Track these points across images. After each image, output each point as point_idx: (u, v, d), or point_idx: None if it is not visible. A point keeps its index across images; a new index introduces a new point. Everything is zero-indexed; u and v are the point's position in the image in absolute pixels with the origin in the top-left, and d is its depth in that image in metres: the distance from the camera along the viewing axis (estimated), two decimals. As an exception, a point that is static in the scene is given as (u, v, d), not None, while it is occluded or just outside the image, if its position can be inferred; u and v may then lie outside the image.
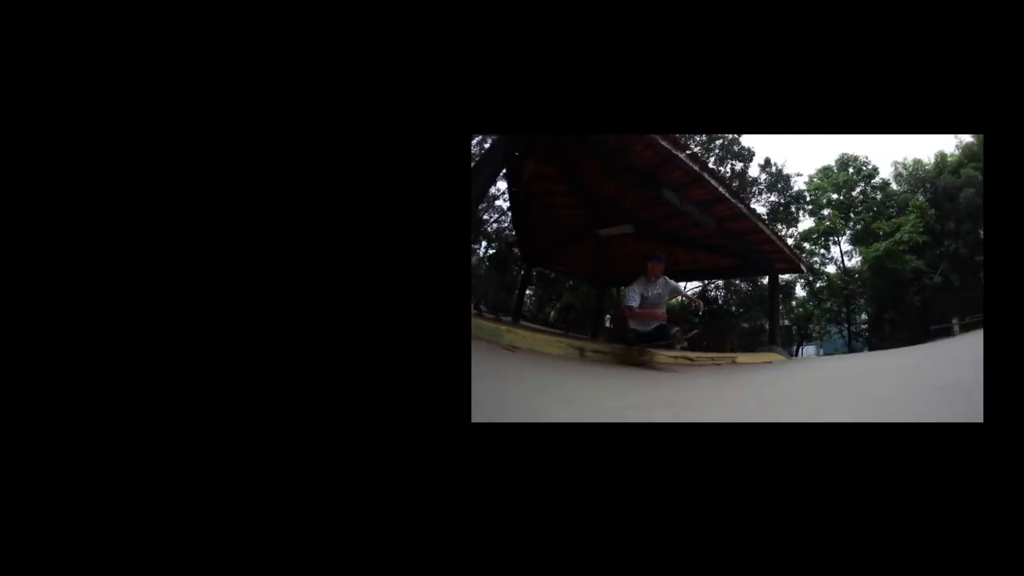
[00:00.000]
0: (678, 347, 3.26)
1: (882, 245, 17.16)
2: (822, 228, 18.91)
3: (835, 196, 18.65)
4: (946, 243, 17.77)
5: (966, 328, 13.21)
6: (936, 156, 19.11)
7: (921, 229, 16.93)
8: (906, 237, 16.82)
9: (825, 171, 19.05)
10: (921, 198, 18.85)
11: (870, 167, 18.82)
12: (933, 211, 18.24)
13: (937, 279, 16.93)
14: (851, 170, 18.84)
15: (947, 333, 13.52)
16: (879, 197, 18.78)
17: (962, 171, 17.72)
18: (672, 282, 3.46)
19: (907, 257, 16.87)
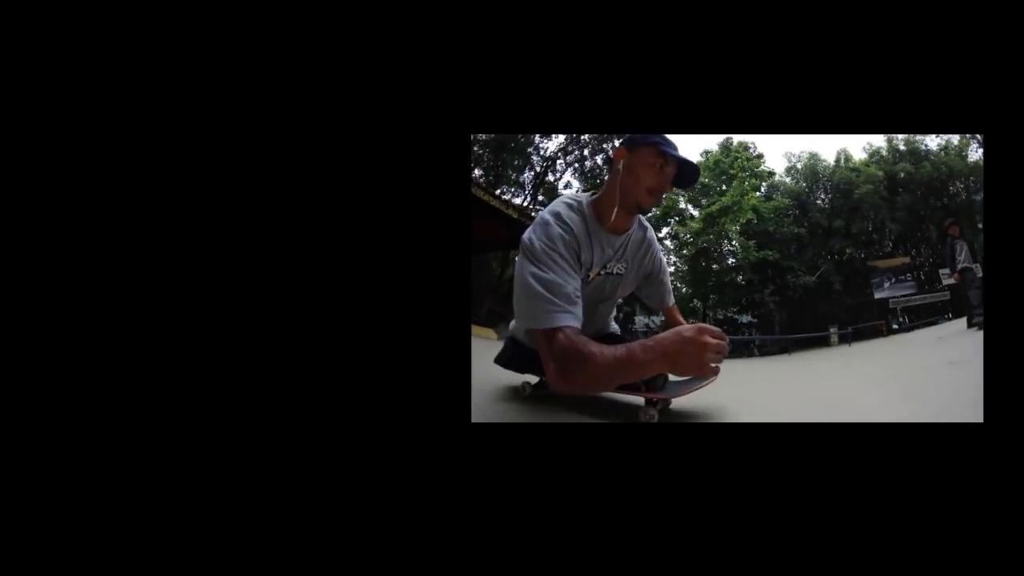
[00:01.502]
0: (651, 416, 1.09)
1: (696, 224, 13.80)
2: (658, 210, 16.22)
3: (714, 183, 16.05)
4: (832, 242, 15.75)
5: (847, 339, 11.70)
6: (838, 153, 17.28)
7: (753, 203, 13.90)
8: (716, 209, 13.28)
9: (704, 153, 16.77)
10: (786, 177, 16.75)
11: (755, 153, 16.59)
12: (801, 184, 16.09)
13: (809, 280, 14.55)
14: (732, 155, 16.29)
15: (824, 342, 12.28)
16: (764, 188, 16.60)
17: (864, 170, 16.05)
18: (655, 246, 1.31)
19: (744, 242, 14.03)
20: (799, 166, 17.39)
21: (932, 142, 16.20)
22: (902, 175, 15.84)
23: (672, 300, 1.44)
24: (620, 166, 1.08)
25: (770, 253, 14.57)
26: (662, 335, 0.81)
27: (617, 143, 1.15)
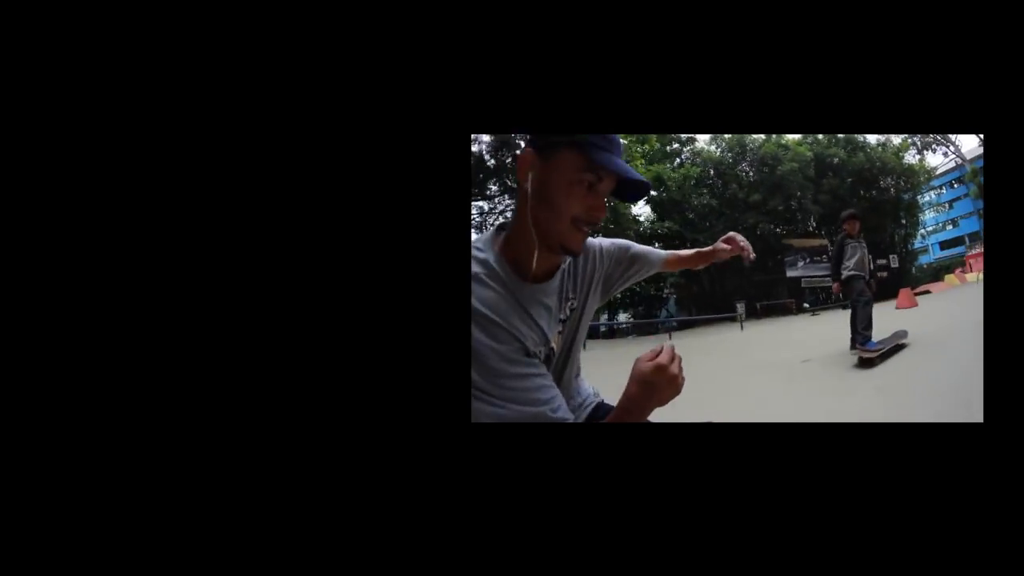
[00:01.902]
0: None
1: None
2: None
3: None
4: (746, 216, 15.24)
5: (757, 315, 11.73)
6: (770, 127, 17.18)
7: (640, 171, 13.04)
8: None
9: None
10: (711, 145, 16.27)
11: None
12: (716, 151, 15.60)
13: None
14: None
15: (732, 319, 12.30)
16: (686, 154, 16.01)
17: (795, 148, 15.44)
18: (594, 244, 0.88)
19: (632, 214, 13.44)
20: (727, 136, 16.53)
21: (872, 136, 16.00)
22: (835, 160, 15.58)
23: (663, 252, 1.09)
24: (528, 186, 0.70)
25: (665, 225, 14.04)
26: (628, 390, 0.69)
27: (522, 144, 0.75)
